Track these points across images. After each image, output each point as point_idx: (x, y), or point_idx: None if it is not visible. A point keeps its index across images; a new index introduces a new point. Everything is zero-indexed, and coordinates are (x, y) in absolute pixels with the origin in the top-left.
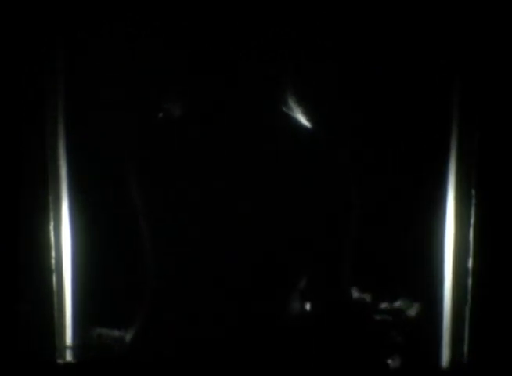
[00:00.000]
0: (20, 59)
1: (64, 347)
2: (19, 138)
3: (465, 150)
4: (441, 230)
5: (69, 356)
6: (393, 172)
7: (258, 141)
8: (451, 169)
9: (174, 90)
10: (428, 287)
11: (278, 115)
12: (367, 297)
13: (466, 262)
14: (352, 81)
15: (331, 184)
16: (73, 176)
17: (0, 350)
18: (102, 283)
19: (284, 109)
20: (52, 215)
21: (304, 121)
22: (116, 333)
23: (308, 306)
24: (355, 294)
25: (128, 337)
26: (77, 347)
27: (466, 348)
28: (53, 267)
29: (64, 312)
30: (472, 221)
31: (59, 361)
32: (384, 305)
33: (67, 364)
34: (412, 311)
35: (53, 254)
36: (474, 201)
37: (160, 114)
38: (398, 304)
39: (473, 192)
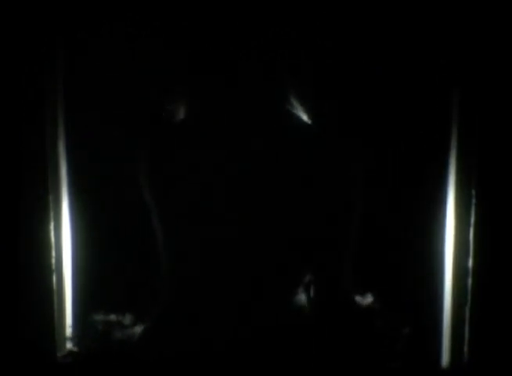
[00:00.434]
0: (20, 59)
1: (64, 347)
2: (19, 138)
3: (465, 150)
4: (441, 230)
5: (69, 356)
6: (393, 172)
7: (264, 139)
8: (451, 169)
9: (175, 90)
10: (428, 287)
11: (281, 114)
12: (368, 298)
13: (466, 262)
14: (353, 81)
15: (335, 182)
16: (73, 176)
17: (0, 350)
18: (103, 283)
19: (287, 108)
20: (52, 215)
21: (306, 120)
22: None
23: (310, 303)
24: (357, 296)
25: (135, 331)
26: (77, 339)
27: (466, 348)
28: (53, 267)
29: (64, 312)
30: (472, 221)
31: (60, 354)
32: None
33: (67, 364)
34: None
35: (53, 254)
36: (474, 201)
37: (163, 114)
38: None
39: (473, 192)
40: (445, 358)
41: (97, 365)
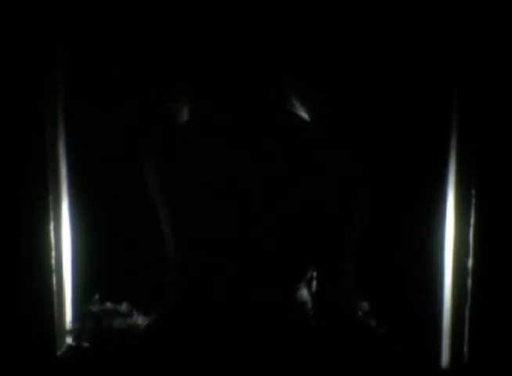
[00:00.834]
0: (20, 59)
1: (64, 347)
2: (19, 138)
3: (465, 150)
4: (441, 230)
5: (68, 352)
6: (393, 172)
7: (264, 139)
8: (451, 169)
9: (176, 90)
10: (428, 287)
11: (282, 113)
12: (365, 306)
13: (466, 262)
14: (353, 81)
15: (335, 182)
16: (73, 176)
17: (0, 351)
18: (103, 284)
19: (287, 107)
20: (52, 215)
21: (306, 120)
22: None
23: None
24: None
25: (136, 321)
26: (77, 332)
27: (466, 348)
28: (53, 267)
29: (64, 312)
30: (472, 221)
31: (60, 352)
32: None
33: (68, 360)
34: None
35: (53, 254)
36: (474, 201)
37: (167, 115)
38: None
39: (473, 192)
40: (445, 358)
41: (98, 359)
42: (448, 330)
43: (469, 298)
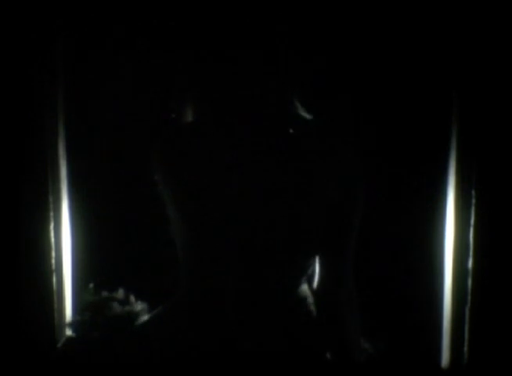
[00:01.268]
0: (20, 58)
1: (64, 347)
2: (20, 138)
3: (465, 150)
4: (441, 230)
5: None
6: (393, 172)
7: (267, 138)
8: (451, 169)
9: (180, 91)
10: (428, 287)
11: (283, 113)
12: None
13: (466, 262)
14: (353, 82)
15: (335, 182)
16: (73, 176)
17: (1, 351)
18: (102, 283)
19: (291, 108)
20: (52, 215)
21: (307, 119)
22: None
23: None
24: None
25: (135, 309)
26: (76, 324)
27: (466, 348)
28: (53, 267)
29: (64, 312)
30: (472, 221)
31: (58, 350)
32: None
33: (67, 362)
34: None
35: (53, 254)
36: (474, 201)
37: (173, 115)
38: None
39: (473, 192)
40: (445, 358)
41: (98, 348)
42: (448, 330)
43: (469, 298)
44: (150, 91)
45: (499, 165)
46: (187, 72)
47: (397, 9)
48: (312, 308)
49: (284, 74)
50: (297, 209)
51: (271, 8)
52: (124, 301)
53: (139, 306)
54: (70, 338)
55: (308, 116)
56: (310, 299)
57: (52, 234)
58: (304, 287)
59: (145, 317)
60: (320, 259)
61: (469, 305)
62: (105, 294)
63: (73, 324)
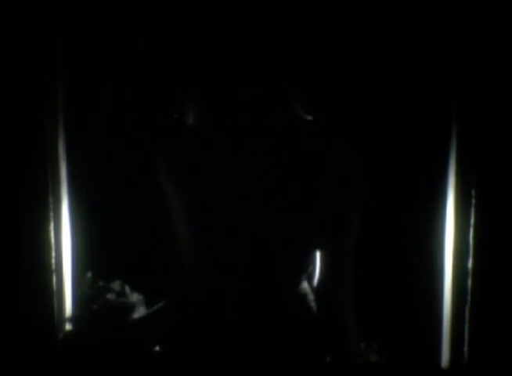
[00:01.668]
0: (20, 58)
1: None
2: (20, 138)
3: (465, 150)
4: (441, 230)
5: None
6: (393, 172)
7: (269, 137)
8: (451, 169)
9: (181, 91)
10: (428, 287)
11: (283, 112)
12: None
13: (466, 262)
14: (354, 82)
15: (341, 180)
16: (73, 176)
17: (1, 351)
18: (102, 284)
19: (292, 109)
20: (52, 215)
21: (308, 119)
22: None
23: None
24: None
25: (132, 299)
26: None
27: (466, 348)
28: (53, 267)
29: (64, 312)
30: (472, 221)
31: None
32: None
33: (67, 361)
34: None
35: (53, 254)
36: (474, 201)
37: (176, 116)
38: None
39: (473, 192)
40: (445, 358)
41: (97, 339)
42: (448, 330)
43: (469, 298)
44: (150, 91)
45: (499, 165)
46: (187, 72)
47: (397, 10)
48: (313, 305)
49: (284, 74)
50: (298, 209)
51: (271, 8)
52: (121, 292)
53: (135, 297)
54: (69, 333)
55: (308, 116)
56: (310, 296)
57: (52, 234)
58: (305, 285)
59: (142, 310)
60: (320, 258)
61: (469, 305)
62: (101, 284)
63: (73, 319)
